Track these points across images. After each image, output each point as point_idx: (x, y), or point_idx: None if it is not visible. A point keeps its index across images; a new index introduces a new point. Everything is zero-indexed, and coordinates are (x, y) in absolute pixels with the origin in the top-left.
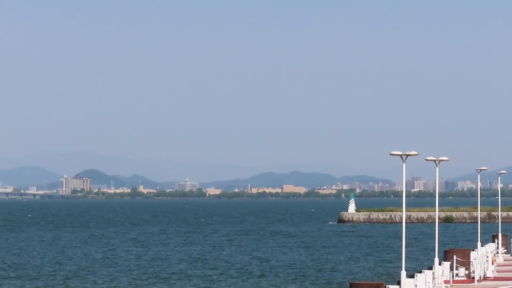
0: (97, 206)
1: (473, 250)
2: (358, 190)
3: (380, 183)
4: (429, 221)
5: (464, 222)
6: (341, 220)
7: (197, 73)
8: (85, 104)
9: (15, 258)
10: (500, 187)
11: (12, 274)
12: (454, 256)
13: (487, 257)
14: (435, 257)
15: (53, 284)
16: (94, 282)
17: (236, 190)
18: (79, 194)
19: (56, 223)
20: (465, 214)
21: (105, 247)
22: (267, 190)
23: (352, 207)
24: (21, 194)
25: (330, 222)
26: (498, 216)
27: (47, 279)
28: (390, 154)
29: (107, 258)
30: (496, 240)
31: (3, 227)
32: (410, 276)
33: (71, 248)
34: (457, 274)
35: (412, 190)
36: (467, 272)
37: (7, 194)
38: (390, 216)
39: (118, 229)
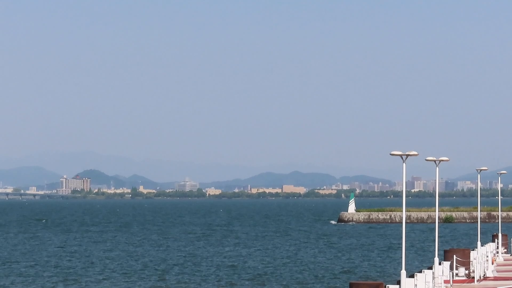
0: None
1: (473, 250)
2: (358, 190)
3: (380, 183)
4: (429, 221)
5: (464, 222)
6: (341, 220)
7: (197, 73)
8: (85, 104)
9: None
10: (500, 187)
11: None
12: (454, 256)
13: (487, 257)
14: (435, 257)
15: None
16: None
17: (236, 190)
18: (79, 194)
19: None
20: (465, 214)
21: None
22: (267, 190)
23: (352, 207)
24: (21, 194)
25: (332, 222)
26: (498, 216)
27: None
28: (390, 154)
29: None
30: (496, 240)
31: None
32: (410, 276)
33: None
34: (457, 274)
35: (412, 190)
36: (467, 272)
37: (7, 194)
38: (390, 216)
39: None
